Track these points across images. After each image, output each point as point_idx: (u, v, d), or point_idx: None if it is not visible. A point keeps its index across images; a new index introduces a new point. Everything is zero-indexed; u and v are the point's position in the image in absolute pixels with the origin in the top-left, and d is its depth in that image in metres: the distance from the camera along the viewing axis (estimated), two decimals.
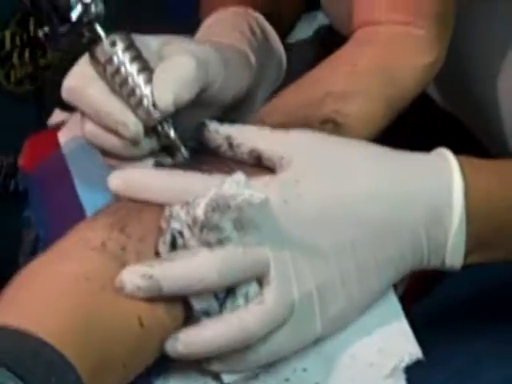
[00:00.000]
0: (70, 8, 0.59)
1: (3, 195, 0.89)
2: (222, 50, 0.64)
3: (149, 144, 0.61)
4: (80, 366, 0.46)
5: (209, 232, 0.53)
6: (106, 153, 0.62)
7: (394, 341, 0.59)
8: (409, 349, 0.59)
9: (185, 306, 0.55)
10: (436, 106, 0.81)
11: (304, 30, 0.85)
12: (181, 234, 0.54)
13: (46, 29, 0.61)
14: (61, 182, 0.73)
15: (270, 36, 0.74)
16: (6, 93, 1.23)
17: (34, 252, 0.76)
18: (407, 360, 0.58)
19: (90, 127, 0.61)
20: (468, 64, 0.75)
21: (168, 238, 0.55)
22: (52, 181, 0.74)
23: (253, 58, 0.68)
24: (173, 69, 0.59)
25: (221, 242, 0.53)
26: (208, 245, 0.53)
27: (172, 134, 0.61)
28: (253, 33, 0.71)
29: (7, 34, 1.19)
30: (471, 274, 0.70)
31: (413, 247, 0.59)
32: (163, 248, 0.55)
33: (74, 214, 0.66)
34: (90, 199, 0.68)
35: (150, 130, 0.60)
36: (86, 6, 0.59)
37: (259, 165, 0.59)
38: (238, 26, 0.71)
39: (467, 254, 0.60)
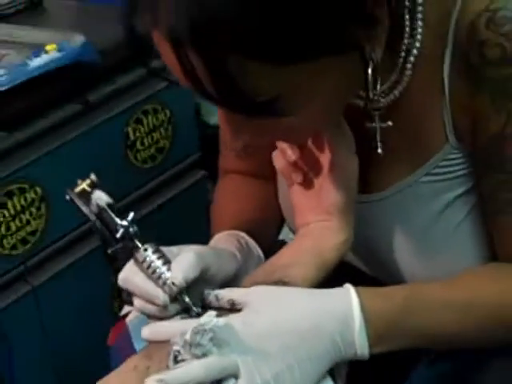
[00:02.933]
0: (117, 230, 0.86)
1: None
2: (217, 249, 0.93)
3: (174, 308, 0.86)
4: None
5: (195, 348, 0.77)
6: (150, 316, 0.89)
7: None
8: None
9: None
10: (349, 264, 1.06)
11: None
12: (179, 352, 0.79)
13: (110, 250, 0.87)
14: (126, 346, 0.97)
15: (251, 244, 0.99)
16: None
17: None
18: None
19: (138, 302, 0.88)
20: (373, 241, 1.00)
21: (171, 357, 0.79)
22: (122, 347, 0.98)
23: (238, 256, 0.94)
24: (181, 260, 0.85)
25: (205, 355, 0.77)
26: (196, 357, 0.77)
27: (187, 299, 0.86)
28: (239, 242, 0.97)
29: None
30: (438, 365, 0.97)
31: (333, 346, 0.81)
32: (170, 363, 0.79)
33: None
34: None
35: (173, 299, 0.86)
36: (126, 228, 0.86)
37: (234, 309, 0.84)
38: (229, 240, 0.98)
39: (372, 346, 0.83)
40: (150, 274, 0.85)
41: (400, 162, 0.94)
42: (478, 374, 0.94)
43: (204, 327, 0.78)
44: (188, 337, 0.78)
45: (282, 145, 0.94)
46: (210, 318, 0.79)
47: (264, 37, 0.71)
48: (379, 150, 0.89)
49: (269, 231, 1.08)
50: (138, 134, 1.73)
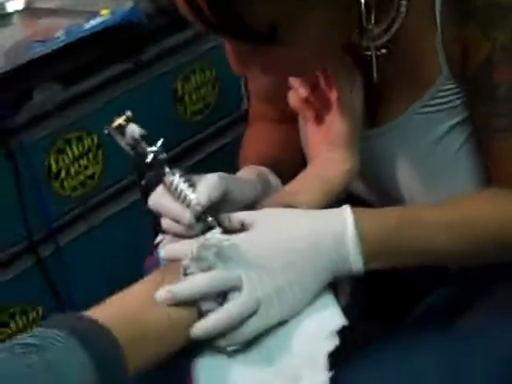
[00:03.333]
0: (146, 156, 0.89)
1: None
2: (238, 177, 0.97)
3: (199, 227, 0.88)
4: (121, 333, 0.76)
5: (201, 262, 0.82)
6: (176, 236, 0.91)
7: (330, 317, 0.85)
8: (339, 320, 0.84)
9: (200, 311, 0.83)
10: (360, 199, 1.13)
11: None
12: (188, 266, 0.83)
13: (144, 181, 0.92)
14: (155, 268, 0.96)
15: (271, 177, 1.02)
16: None
17: None
18: (338, 325, 0.83)
19: (165, 222, 0.91)
20: (379, 171, 1.05)
21: (181, 270, 0.83)
22: (152, 268, 0.97)
23: (257, 185, 0.97)
24: (205, 182, 0.88)
25: (210, 268, 0.82)
26: (203, 271, 0.82)
27: (210, 219, 0.88)
28: (259, 175, 1.00)
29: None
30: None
31: (330, 262, 0.85)
32: (181, 276, 0.84)
33: None
34: None
35: (198, 218, 0.88)
36: (155, 154, 0.89)
37: (245, 229, 0.88)
38: (250, 172, 1.01)
39: (366, 262, 0.85)
40: (176, 196, 0.89)
41: (400, 97, 0.98)
42: (484, 296, 1.00)
43: (209, 242, 0.83)
44: (195, 251, 0.83)
45: (294, 83, 0.99)
46: (214, 234, 0.85)
47: None
48: (375, 76, 0.93)
49: (290, 168, 1.09)
50: (186, 90, 1.87)
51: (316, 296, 0.86)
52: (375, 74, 0.93)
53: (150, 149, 0.89)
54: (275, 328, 0.85)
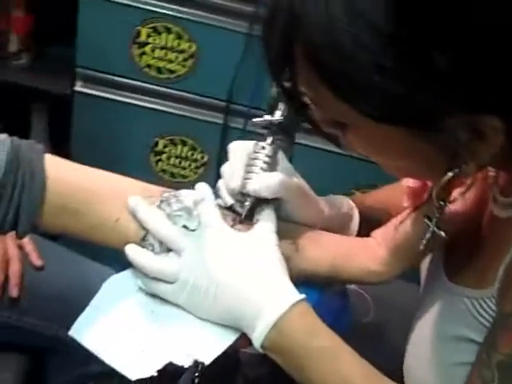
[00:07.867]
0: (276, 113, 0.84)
1: None
2: (313, 197, 0.88)
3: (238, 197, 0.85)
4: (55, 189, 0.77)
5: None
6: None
7: (215, 342, 0.81)
8: (215, 351, 0.80)
9: (144, 237, 0.81)
10: None
11: None
12: (162, 202, 0.81)
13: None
14: None
15: (354, 218, 0.94)
16: None
17: None
18: (211, 355, 0.79)
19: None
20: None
21: (158, 202, 0.81)
22: None
23: (326, 210, 0.90)
24: (265, 178, 0.83)
25: (169, 215, 0.80)
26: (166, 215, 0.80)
27: (246, 204, 0.83)
28: (344, 212, 0.93)
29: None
30: None
31: (242, 314, 0.79)
32: (156, 204, 0.81)
33: None
34: None
35: (236, 199, 0.84)
36: (280, 121, 0.84)
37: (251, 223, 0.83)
38: (341, 203, 0.93)
39: (263, 348, 0.78)
40: (248, 162, 0.85)
41: (463, 271, 0.84)
42: None
43: (184, 198, 0.81)
44: (174, 193, 0.82)
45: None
46: (195, 195, 0.81)
47: (363, 88, 0.64)
48: (421, 247, 0.81)
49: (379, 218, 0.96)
50: None
51: (220, 322, 0.81)
52: (423, 243, 0.80)
53: (279, 111, 0.84)
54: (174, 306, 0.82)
